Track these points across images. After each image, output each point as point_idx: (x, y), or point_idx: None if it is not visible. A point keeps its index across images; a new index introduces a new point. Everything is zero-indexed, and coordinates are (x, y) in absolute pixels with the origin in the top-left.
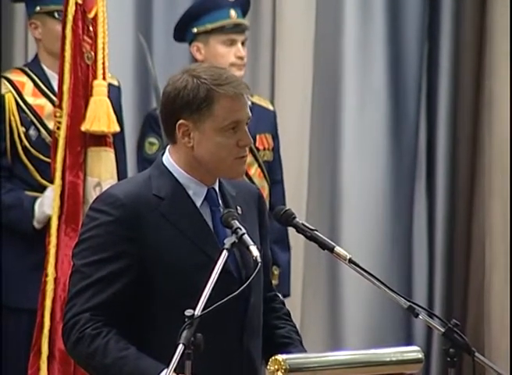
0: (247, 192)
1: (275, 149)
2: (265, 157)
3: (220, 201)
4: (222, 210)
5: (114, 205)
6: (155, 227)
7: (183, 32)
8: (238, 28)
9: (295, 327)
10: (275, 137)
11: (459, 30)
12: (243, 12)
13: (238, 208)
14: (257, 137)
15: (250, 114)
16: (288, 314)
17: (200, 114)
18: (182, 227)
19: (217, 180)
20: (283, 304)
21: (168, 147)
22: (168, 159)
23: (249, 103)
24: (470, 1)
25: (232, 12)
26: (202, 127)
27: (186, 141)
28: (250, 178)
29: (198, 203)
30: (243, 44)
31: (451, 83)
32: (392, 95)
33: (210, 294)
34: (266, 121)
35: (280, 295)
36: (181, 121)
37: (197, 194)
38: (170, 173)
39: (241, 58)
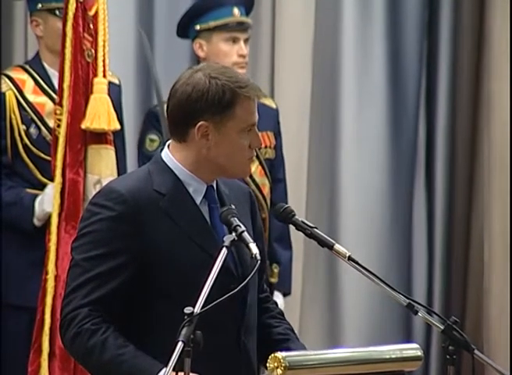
0: (238, 191)
1: (278, 147)
2: (267, 155)
3: (217, 199)
4: (219, 207)
5: (116, 200)
6: (156, 223)
7: (186, 28)
8: (241, 26)
9: (290, 326)
10: (278, 136)
11: (458, 27)
12: (247, 11)
13: (232, 206)
14: (259, 134)
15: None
16: (282, 314)
17: (223, 116)
18: (182, 224)
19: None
20: (276, 304)
21: (168, 143)
22: (168, 156)
23: None
24: None
25: (236, 10)
26: (223, 129)
27: (203, 142)
28: (251, 176)
29: (198, 200)
30: (245, 42)
31: (450, 80)
32: (392, 92)
33: (209, 292)
34: (268, 119)
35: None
36: (202, 122)
37: (197, 191)
38: (170, 169)
39: (243, 56)
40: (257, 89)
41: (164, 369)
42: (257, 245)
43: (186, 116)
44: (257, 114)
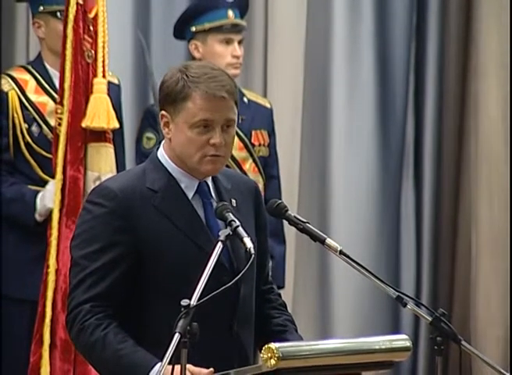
0: (242, 185)
1: (272, 146)
2: (260, 152)
3: (214, 194)
4: (214, 203)
5: (107, 196)
6: (148, 219)
7: (182, 30)
8: (235, 28)
9: (291, 317)
10: (272, 134)
11: (445, 28)
12: (241, 13)
13: (232, 200)
14: (253, 132)
15: (231, 117)
16: (284, 305)
17: (175, 107)
18: (174, 219)
19: None
20: (279, 295)
21: (162, 141)
22: (162, 153)
23: (246, 102)
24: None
25: (230, 13)
26: (176, 120)
27: (166, 132)
28: (244, 173)
29: (190, 196)
30: (239, 43)
31: (438, 80)
32: (381, 92)
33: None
34: (262, 118)
35: (275, 287)
36: (162, 112)
37: (189, 187)
38: (164, 166)
39: (237, 57)
40: (218, 89)
41: (160, 363)
42: (258, 238)
43: (158, 107)
44: (221, 114)
